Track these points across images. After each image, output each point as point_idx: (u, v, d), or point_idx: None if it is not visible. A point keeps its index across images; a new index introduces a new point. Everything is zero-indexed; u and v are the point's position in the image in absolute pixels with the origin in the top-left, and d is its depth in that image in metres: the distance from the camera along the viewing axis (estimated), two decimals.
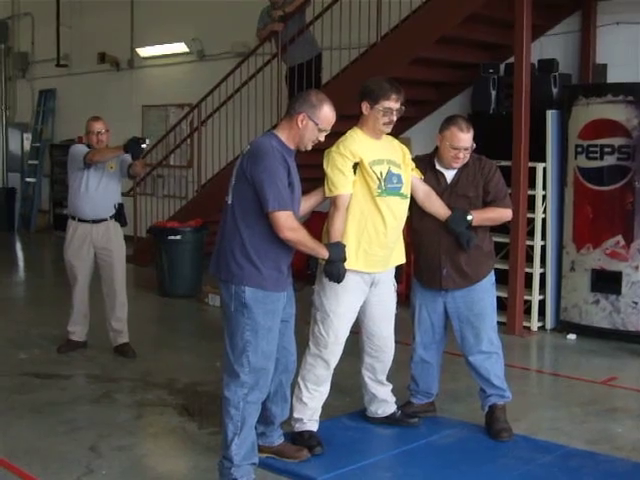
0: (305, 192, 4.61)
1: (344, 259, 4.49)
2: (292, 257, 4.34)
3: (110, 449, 4.84)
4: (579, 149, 7.56)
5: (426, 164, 5.05)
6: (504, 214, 5.09)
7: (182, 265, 9.44)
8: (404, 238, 4.99)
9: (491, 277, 5.14)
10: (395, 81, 4.82)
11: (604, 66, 8.20)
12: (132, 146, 6.48)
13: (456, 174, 5.01)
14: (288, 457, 4.61)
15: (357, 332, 5.03)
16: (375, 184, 4.67)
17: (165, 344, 7.48)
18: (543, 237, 7.91)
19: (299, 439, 4.77)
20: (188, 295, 9.36)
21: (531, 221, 7.86)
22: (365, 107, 4.73)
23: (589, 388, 6.21)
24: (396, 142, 4.98)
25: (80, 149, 6.80)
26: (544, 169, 7.83)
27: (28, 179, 16.04)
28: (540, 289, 7.95)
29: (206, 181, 10.79)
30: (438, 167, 5.03)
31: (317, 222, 5.19)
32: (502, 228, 6.62)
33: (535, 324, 7.92)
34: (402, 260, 5.01)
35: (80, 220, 6.79)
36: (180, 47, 12.81)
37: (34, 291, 10.51)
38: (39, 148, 15.83)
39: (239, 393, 4.21)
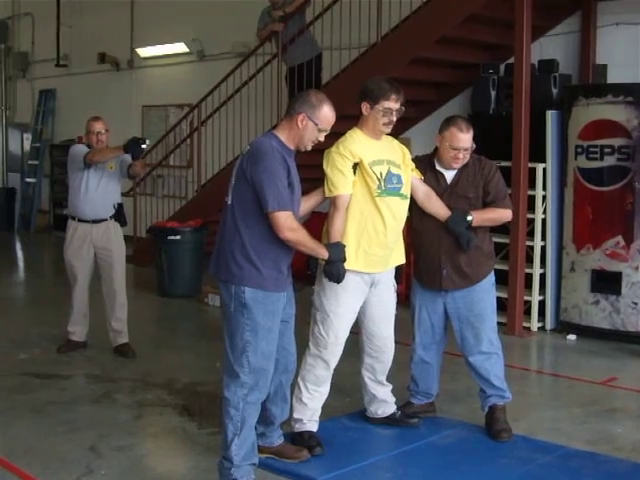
0: (305, 192, 4.60)
1: (344, 259, 4.49)
2: (292, 257, 4.34)
3: (110, 449, 4.84)
4: (579, 149, 7.56)
5: (426, 164, 5.05)
6: (504, 215, 5.09)
7: (182, 265, 9.44)
8: (404, 238, 4.99)
9: (491, 278, 5.14)
10: (395, 81, 4.82)
11: (604, 67, 8.20)
12: (132, 146, 6.48)
13: (456, 175, 5.01)
14: (288, 457, 4.61)
15: (357, 332, 5.02)
16: (375, 184, 4.67)
17: (165, 344, 7.48)
18: (543, 237, 7.91)
19: (299, 439, 4.77)
20: (188, 295, 9.36)
21: (531, 221, 7.86)
22: (365, 107, 4.73)
23: (589, 388, 6.21)
24: (396, 142, 4.98)
25: (80, 149, 6.81)
26: (544, 169, 7.83)
27: (28, 179, 16.04)
28: (540, 290, 7.95)
29: (206, 181, 10.79)
30: (438, 167, 5.03)
31: (317, 222, 5.19)
32: (502, 228, 6.63)
33: (535, 325, 7.92)
34: (402, 260, 5.01)
35: (80, 220, 6.79)
36: (180, 47, 12.81)
37: (34, 291, 10.51)
38: (39, 148, 15.83)
39: (239, 393, 4.21)
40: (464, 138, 4.87)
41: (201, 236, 9.63)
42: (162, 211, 11.66)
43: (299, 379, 4.82)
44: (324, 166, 4.70)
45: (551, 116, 7.81)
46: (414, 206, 4.96)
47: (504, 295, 7.60)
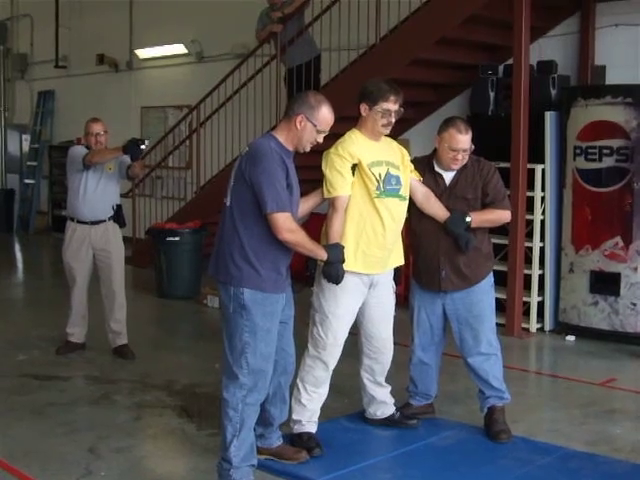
0: (304, 194, 4.60)
1: (343, 260, 4.49)
2: (291, 259, 4.34)
3: (109, 450, 4.84)
4: (578, 150, 7.57)
5: (425, 166, 5.05)
6: (503, 216, 5.09)
7: (181, 266, 9.44)
8: (403, 240, 4.99)
9: (490, 279, 5.14)
10: (394, 82, 4.83)
11: (603, 68, 8.21)
12: (131, 147, 6.48)
13: (455, 176, 5.01)
14: (287, 459, 4.61)
15: (356, 333, 5.02)
16: (374, 185, 4.67)
17: (164, 345, 7.47)
18: (542, 239, 7.92)
19: (298, 441, 4.77)
20: (187, 296, 9.35)
21: (530, 223, 7.86)
22: (364, 109, 4.73)
23: (588, 389, 6.21)
24: (395, 144, 4.98)
25: (79, 150, 6.81)
26: (543, 171, 7.84)
27: (27, 180, 16.03)
28: (539, 291, 7.96)
29: (205, 182, 10.80)
30: (437, 169, 5.03)
31: (316, 224, 5.19)
32: (501, 230, 6.63)
33: (534, 326, 7.93)
34: (401, 262, 5.01)
35: (79, 221, 6.79)
36: (179, 48, 12.81)
37: (33, 292, 10.50)
38: (38, 149, 15.83)
39: (238, 395, 4.21)
40: (463, 139, 4.87)
41: (200, 237, 9.63)
42: (161, 212, 11.66)
43: (298, 380, 4.82)
44: (323, 167, 4.70)
45: (550, 117, 7.81)
46: (413, 207, 4.96)
47: (503, 296, 7.60)
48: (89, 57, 14.17)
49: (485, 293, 5.10)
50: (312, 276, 4.74)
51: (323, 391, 4.88)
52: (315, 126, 4.24)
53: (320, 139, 4.31)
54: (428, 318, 5.16)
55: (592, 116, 7.47)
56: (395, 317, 5.05)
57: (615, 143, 7.32)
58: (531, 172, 7.76)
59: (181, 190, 12.42)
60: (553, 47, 8.58)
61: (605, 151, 7.37)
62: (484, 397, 5.13)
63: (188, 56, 12.76)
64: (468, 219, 4.89)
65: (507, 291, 7.71)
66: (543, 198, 7.86)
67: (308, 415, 4.83)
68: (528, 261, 7.88)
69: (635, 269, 7.32)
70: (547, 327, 7.96)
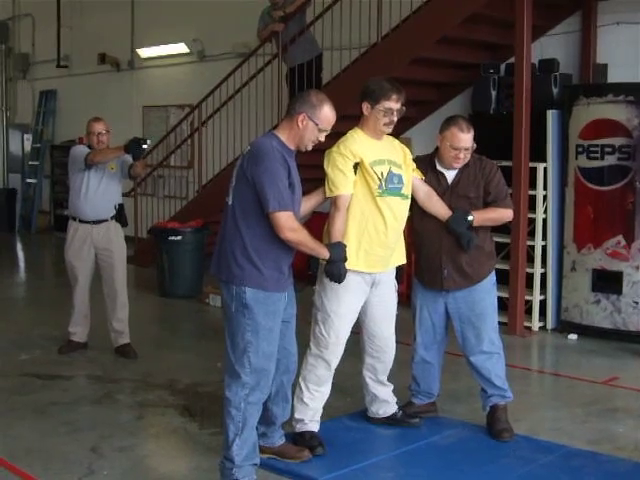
0: (306, 192, 4.61)
1: (345, 259, 4.49)
2: (293, 257, 4.34)
3: (111, 450, 4.84)
4: (580, 149, 7.56)
5: (427, 164, 5.05)
6: (505, 214, 5.08)
7: (183, 266, 9.44)
8: (405, 238, 4.99)
9: (492, 277, 5.13)
10: (396, 81, 4.82)
11: (605, 66, 8.20)
12: (133, 147, 6.48)
13: (457, 174, 5.00)
14: (289, 458, 4.61)
15: (358, 332, 5.03)
16: (376, 184, 4.67)
17: (166, 345, 7.48)
18: (544, 237, 7.91)
19: (300, 440, 4.77)
20: (189, 296, 9.36)
21: (532, 221, 7.86)
22: (366, 107, 4.73)
23: (590, 388, 6.21)
24: (397, 142, 4.98)
25: (81, 150, 6.81)
26: (545, 169, 7.83)
27: (29, 180, 16.04)
28: (541, 289, 7.95)
29: (207, 182, 10.79)
30: (439, 167, 5.02)
31: (318, 223, 5.19)
32: (503, 228, 6.62)
33: (536, 324, 7.92)
34: (403, 260, 5.00)
35: (81, 221, 6.79)
36: (180, 48, 12.81)
37: (35, 292, 10.51)
38: (40, 149, 15.84)
39: (240, 394, 4.21)
40: (465, 138, 4.87)
41: (202, 236, 9.63)
42: (163, 211, 11.66)
43: (300, 379, 4.82)
44: (325, 166, 4.70)
45: (552, 116, 7.81)
46: (415, 206, 4.96)
47: (505, 295, 7.60)
48: (91, 56, 14.17)
49: (487, 292, 5.09)
50: (314, 275, 4.73)
51: (325, 390, 4.88)
52: (317, 125, 4.24)
53: (322, 138, 4.31)
54: (430, 317, 5.16)
55: (594, 114, 7.46)
56: (397, 316, 5.06)
57: (617, 141, 7.31)
58: (533, 171, 7.75)
59: (183, 189, 12.42)
60: (555, 45, 8.57)
61: (607, 149, 7.36)
62: (486, 396, 5.13)
63: (190, 55, 12.76)
64: (470, 218, 4.88)
65: (509, 290, 7.71)
66: (545, 197, 7.86)
67: (310, 414, 4.83)
68: (530, 260, 7.88)
69: (637, 267, 7.32)
70: (549, 325, 7.96)
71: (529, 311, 7.91)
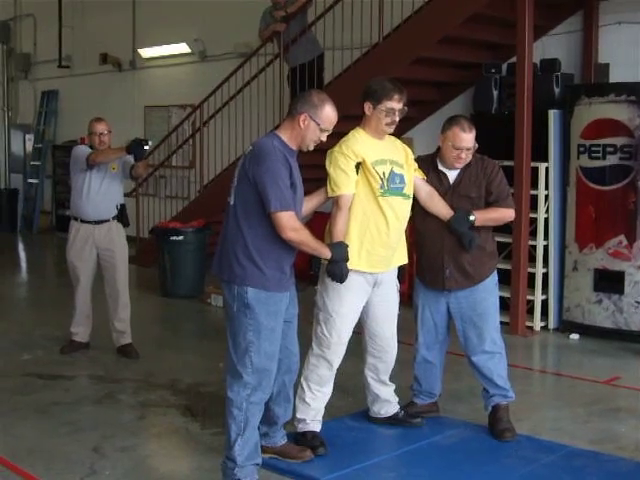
0: (307, 192, 4.61)
1: (347, 259, 4.50)
2: (294, 257, 4.34)
3: (113, 450, 4.84)
4: (581, 149, 7.56)
5: (428, 164, 5.05)
6: (507, 214, 5.08)
7: (184, 266, 9.44)
8: (407, 238, 4.99)
9: (494, 277, 5.13)
10: (397, 81, 4.82)
11: (606, 66, 8.20)
12: (135, 147, 6.48)
13: (459, 174, 5.00)
14: (291, 457, 4.61)
15: (360, 332, 5.03)
16: (378, 184, 4.67)
17: (168, 345, 7.48)
18: (546, 237, 7.91)
19: (302, 439, 4.78)
20: (191, 296, 9.36)
21: (534, 221, 7.85)
22: (368, 107, 4.73)
23: (592, 388, 6.21)
24: (399, 142, 4.98)
25: (83, 150, 6.81)
26: (546, 169, 7.83)
27: (30, 180, 16.06)
28: (543, 289, 7.95)
29: (208, 182, 10.80)
30: (440, 167, 5.02)
31: (319, 222, 5.19)
32: (505, 228, 6.60)
33: (538, 324, 7.92)
34: (404, 260, 5.00)
35: (82, 221, 6.79)
36: (182, 48, 12.81)
37: (37, 292, 10.51)
38: (41, 149, 15.85)
39: (242, 394, 4.21)
40: (467, 138, 4.87)
41: (204, 236, 9.63)
42: (165, 211, 11.66)
43: (302, 379, 4.83)
44: (327, 166, 4.71)
45: (553, 115, 7.80)
46: (417, 206, 4.95)
47: (507, 295, 7.60)
48: (92, 57, 14.18)
49: (489, 291, 5.09)
50: (316, 275, 4.74)
51: (327, 390, 4.88)
52: (318, 125, 4.24)
53: (323, 138, 4.31)
54: (432, 317, 5.16)
55: (596, 114, 7.46)
56: (399, 316, 5.06)
57: (619, 141, 7.31)
58: (535, 170, 7.75)
59: (185, 189, 12.43)
60: (556, 45, 8.57)
61: (609, 149, 7.36)
62: (488, 396, 5.13)
63: (191, 55, 12.76)
64: (472, 218, 4.88)
65: (511, 289, 7.71)
66: (547, 196, 7.86)
67: (312, 414, 4.83)
68: (532, 259, 7.87)
69: (639, 267, 7.31)
70: (551, 325, 7.96)
71: (531, 311, 7.91)
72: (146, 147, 6.54)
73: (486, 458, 4.76)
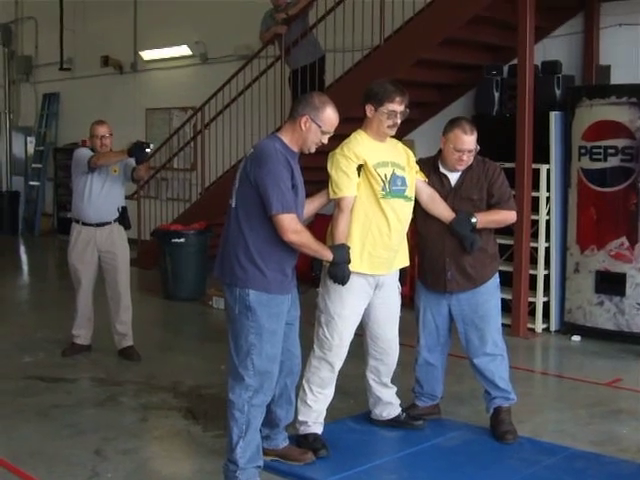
0: (309, 194, 4.61)
1: (348, 261, 4.50)
2: (296, 260, 4.35)
3: (115, 452, 4.84)
4: (583, 150, 7.56)
5: (430, 167, 5.05)
6: (508, 216, 5.08)
7: (186, 268, 9.45)
8: (408, 241, 4.99)
9: (495, 279, 5.13)
10: (399, 83, 4.82)
11: (607, 67, 8.20)
12: (136, 150, 6.48)
13: (460, 176, 5.00)
14: (293, 460, 4.61)
15: (361, 334, 5.02)
16: (379, 186, 4.67)
17: (169, 347, 7.48)
18: (547, 239, 7.91)
19: (304, 442, 4.77)
20: (192, 298, 9.37)
21: (535, 223, 7.85)
22: (369, 110, 4.73)
23: (594, 390, 6.20)
24: (400, 145, 4.98)
25: (84, 153, 6.81)
26: (548, 171, 7.83)
27: (32, 182, 16.08)
28: (544, 291, 7.95)
29: (210, 184, 10.81)
30: (442, 170, 5.02)
31: (321, 225, 5.19)
32: (506, 230, 6.61)
33: (539, 326, 7.92)
34: (406, 263, 5.00)
35: (84, 224, 6.79)
36: (183, 50, 12.83)
37: (38, 294, 10.52)
38: (43, 152, 15.87)
39: (244, 396, 4.21)
40: (468, 140, 4.87)
41: (205, 239, 9.63)
42: (166, 214, 11.67)
43: (304, 381, 4.82)
44: (328, 168, 4.71)
45: (554, 117, 7.81)
46: (418, 208, 4.95)
47: (508, 296, 7.60)
48: (94, 59, 14.20)
49: (491, 294, 5.09)
50: (318, 277, 4.74)
51: (329, 392, 4.88)
52: (320, 127, 4.24)
53: (325, 140, 4.31)
54: (434, 319, 5.16)
55: (597, 116, 7.46)
56: (401, 318, 5.06)
57: (620, 143, 7.31)
58: (536, 172, 7.75)
59: (186, 191, 12.44)
60: (557, 47, 8.57)
61: (610, 151, 7.36)
62: (490, 398, 5.13)
63: (192, 58, 12.77)
64: (474, 220, 4.88)
65: (513, 291, 7.71)
66: (548, 198, 7.86)
67: (314, 416, 4.83)
68: (533, 261, 7.87)
69: None
70: (553, 327, 7.95)
71: (532, 313, 7.91)
72: (147, 150, 6.54)
73: (488, 460, 4.75)
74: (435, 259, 5.03)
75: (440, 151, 5.03)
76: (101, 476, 4.51)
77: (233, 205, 4.26)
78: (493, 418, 5.12)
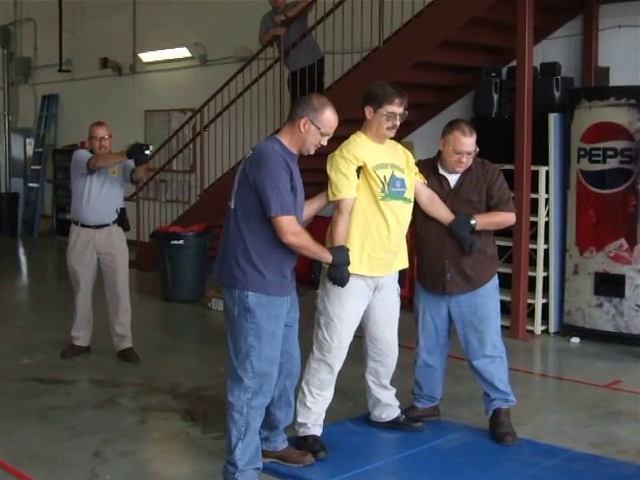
0: (308, 196, 4.61)
1: (348, 263, 4.50)
2: (295, 261, 4.35)
3: (114, 454, 4.84)
4: (582, 152, 7.56)
5: (429, 168, 5.05)
6: (508, 218, 5.08)
7: (185, 270, 9.45)
8: (407, 242, 4.99)
9: (495, 281, 5.13)
10: (398, 85, 4.83)
11: (606, 69, 8.21)
12: (135, 152, 6.48)
13: (459, 178, 5.01)
14: (292, 462, 4.60)
15: (361, 336, 5.02)
16: (379, 188, 4.67)
17: (168, 349, 7.47)
18: (546, 241, 7.91)
19: (303, 444, 4.77)
20: (191, 300, 9.36)
21: (534, 225, 7.85)
22: (368, 111, 4.73)
23: (593, 391, 6.20)
24: (399, 146, 4.98)
25: (83, 154, 6.81)
26: (547, 172, 7.83)
27: (31, 184, 16.08)
28: (543, 293, 7.94)
29: (209, 186, 10.81)
30: (441, 171, 5.02)
31: (320, 227, 5.19)
32: (505, 232, 6.60)
33: (539, 328, 7.92)
34: (405, 264, 5.00)
35: (83, 225, 6.79)
36: (182, 52, 12.83)
37: (37, 296, 10.51)
38: (42, 153, 15.87)
39: (243, 398, 4.21)
40: (467, 142, 4.87)
41: (204, 241, 9.63)
42: (165, 216, 11.67)
43: (303, 383, 4.82)
44: (328, 170, 4.71)
45: (554, 119, 7.81)
46: (418, 210, 4.95)
47: (508, 298, 7.59)
48: (93, 61, 14.20)
49: (490, 295, 5.09)
50: (317, 279, 4.74)
51: (328, 394, 4.87)
52: (319, 129, 4.24)
53: (324, 142, 4.31)
54: (433, 321, 5.16)
55: (596, 118, 7.46)
56: (400, 320, 5.05)
57: (619, 144, 7.31)
58: (535, 174, 7.75)
59: (185, 193, 12.43)
60: (556, 49, 8.57)
61: (609, 153, 7.36)
62: (489, 400, 5.13)
63: (191, 59, 12.78)
64: (473, 222, 4.88)
65: (512, 293, 7.71)
66: (547, 200, 7.86)
67: (313, 418, 4.83)
68: (532, 263, 7.88)
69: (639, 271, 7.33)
70: (552, 329, 7.95)
71: (531, 314, 7.91)
72: (147, 152, 6.53)
73: (487, 462, 4.75)
74: (434, 261, 5.03)
75: (439, 153, 5.03)
76: (100, 478, 4.51)
77: (232, 207, 4.26)
78: (492, 420, 5.12)
